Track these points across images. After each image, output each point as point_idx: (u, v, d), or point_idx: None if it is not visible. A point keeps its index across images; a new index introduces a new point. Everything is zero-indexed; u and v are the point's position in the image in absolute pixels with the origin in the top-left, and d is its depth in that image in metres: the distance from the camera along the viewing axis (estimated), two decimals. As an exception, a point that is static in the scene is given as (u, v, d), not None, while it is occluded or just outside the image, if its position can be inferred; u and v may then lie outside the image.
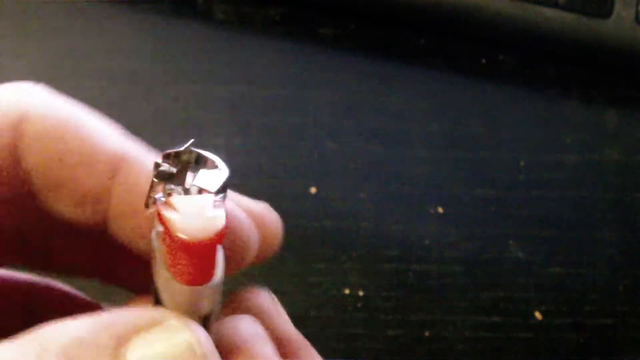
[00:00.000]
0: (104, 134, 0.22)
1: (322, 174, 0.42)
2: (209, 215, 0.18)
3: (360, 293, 0.41)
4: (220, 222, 0.18)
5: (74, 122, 0.21)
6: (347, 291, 0.40)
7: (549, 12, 0.43)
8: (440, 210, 0.42)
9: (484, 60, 0.45)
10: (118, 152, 0.21)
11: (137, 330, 0.18)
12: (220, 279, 0.20)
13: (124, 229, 0.22)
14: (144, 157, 0.22)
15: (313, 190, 0.42)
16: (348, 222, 0.41)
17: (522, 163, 0.44)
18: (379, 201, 0.42)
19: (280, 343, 0.23)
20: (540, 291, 0.42)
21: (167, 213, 0.18)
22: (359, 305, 0.40)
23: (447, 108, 0.44)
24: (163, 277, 0.19)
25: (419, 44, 0.45)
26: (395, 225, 0.42)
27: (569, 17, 0.43)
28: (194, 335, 0.19)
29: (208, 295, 0.20)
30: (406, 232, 0.42)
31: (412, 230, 0.42)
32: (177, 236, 0.18)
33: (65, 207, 0.22)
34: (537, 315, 0.41)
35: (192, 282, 0.19)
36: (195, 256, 0.18)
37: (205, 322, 0.20)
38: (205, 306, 0.20)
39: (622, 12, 0.43)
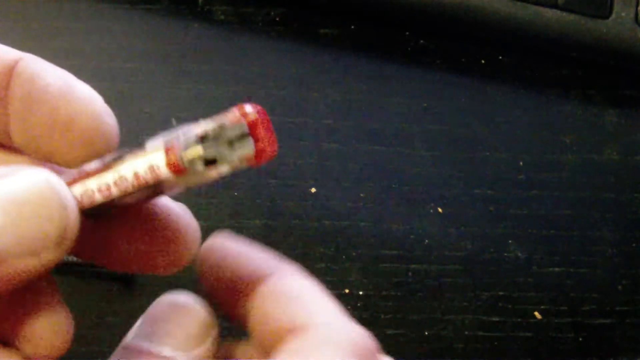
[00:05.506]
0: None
1: (322, 174, 0.42)
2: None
3: (360, 293, 0.41)
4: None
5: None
6: (347, 291, 0.41)
7: (549, 13, 0.43)
8: (440, 210, 0.42)
9: (483, 61, 0.45)
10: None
11: None
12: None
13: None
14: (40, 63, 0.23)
15: (313, 190, 0.42)
16: (348, 221, 0.41)
17: (521, 163, 0.44)
18: (378, 201, 0.42)
19: None
20: (539, 291, 0.42)
21: None
22: (359, 304, 0.40)
23: (447, 108, 0.44)
24: None
25: (419, 44, 0.45)
26: (395, 225, 0.42)
27: (568, 18, 0.43)
28: (38, 175, 0.19)
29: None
30: (406, 232, 0.42)
31: (412, 230, 0.42)
32: None
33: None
34: (537, 314, 0.41)
35: None
36: None
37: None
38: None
39: (622, 12, 0.43)
